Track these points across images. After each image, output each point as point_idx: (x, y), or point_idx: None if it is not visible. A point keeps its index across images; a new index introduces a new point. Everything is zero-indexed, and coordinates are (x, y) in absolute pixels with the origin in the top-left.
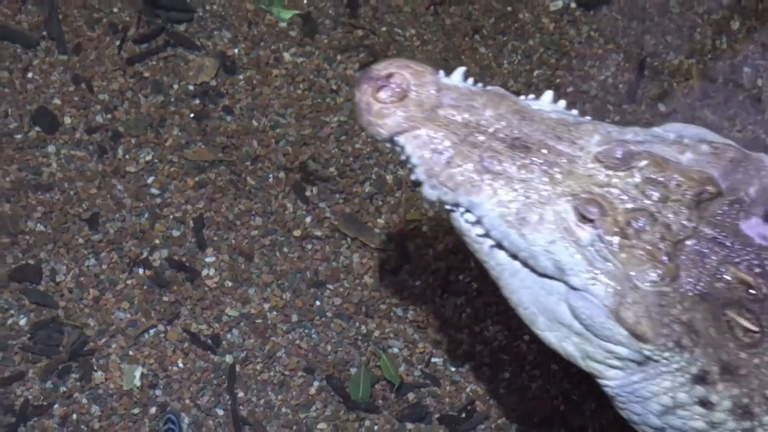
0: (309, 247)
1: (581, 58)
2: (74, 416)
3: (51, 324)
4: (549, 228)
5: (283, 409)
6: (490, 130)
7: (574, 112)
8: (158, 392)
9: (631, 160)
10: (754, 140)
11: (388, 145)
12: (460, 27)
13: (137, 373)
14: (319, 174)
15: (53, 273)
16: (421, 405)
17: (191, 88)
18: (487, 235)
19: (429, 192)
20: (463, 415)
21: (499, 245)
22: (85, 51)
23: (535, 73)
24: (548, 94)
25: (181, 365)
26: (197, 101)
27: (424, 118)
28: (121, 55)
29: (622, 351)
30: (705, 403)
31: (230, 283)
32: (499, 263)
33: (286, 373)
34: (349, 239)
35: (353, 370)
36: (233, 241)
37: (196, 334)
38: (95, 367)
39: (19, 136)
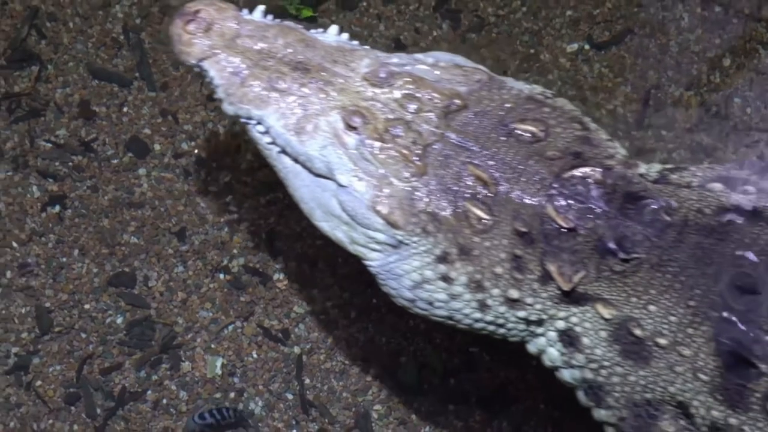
0: None
1: (594, 91)
2: (164, 401)
3: (144, 322)
4: (322, 135)
5: (344, 394)
6: (279, 55)
7: (355, 42)
8: (236, 379)
9: (392, 79)
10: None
11: (197, 69)
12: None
13: (218, 363)
14: None
15: (146, 279)
16: (460, 388)
17: None
18: (274, 143)
19: (227, 108)
20: (497, 397)
21: (284, 151)
22: (171, 88)
23: None
24: (334, 28)
25: (255, 356)
26: None
27: (225, 46)
28: (202, 92)
29: (380, 236)
30: (446, 279)
31: (297, 285)
32: (285, 166)
33: (346, 362)
34: None
35: (403, 359)
36: (300, 250)
37: (268, 329)
38: (183, 359)
39: (115, 161)
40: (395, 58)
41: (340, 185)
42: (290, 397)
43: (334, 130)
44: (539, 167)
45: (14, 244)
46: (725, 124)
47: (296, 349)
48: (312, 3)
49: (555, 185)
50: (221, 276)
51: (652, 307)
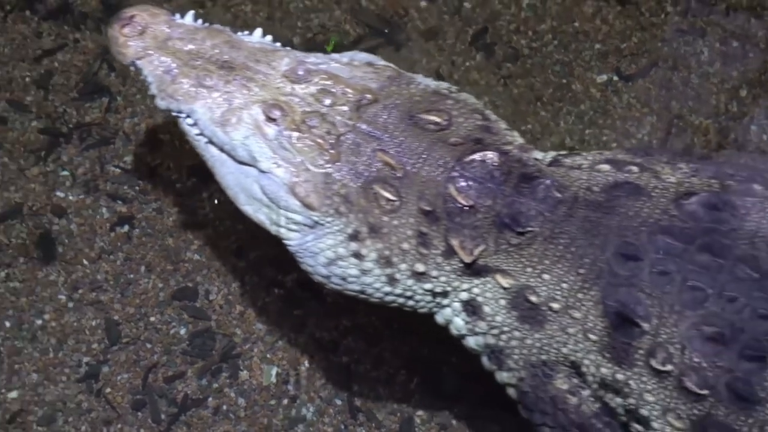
0: None
1: (623, 120)
2: (224, 407)
3: (205, 333)
4: (245, 126)
5: (389, 400)
6: (207, 55)
7: (277, 44)
8: (290, 387)
9: (310, 75)
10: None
11: (133, 68)
12: (525, 95)
13: (273, 372)
14: None
15: (207, 293)
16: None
17: None
18: (202, 134)
19: (160, 102)
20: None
21: (211, 141)
22: None
23: (586, 132)
24: (258, 31)
25: (307, 365)
26: None
27: (157, 47)
28: None
29: (298, 218)
30: (358, 255)
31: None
32: (212, 155)
33: (391, 371)
34: None
35: (444, 369)
36: None
37: (319, 340)
38: (241, 368)
39: (179, 185)
40: (312, 58)
41: (262, 171)
42: (339, 402)
43: (256, 121)
44: (442, 152)
45: (85, 262)
46: (743, 150)
47: (345, 359)
48: (356, 41)
49: (457, 168)
50: (276, 290)
51: (546, 276)
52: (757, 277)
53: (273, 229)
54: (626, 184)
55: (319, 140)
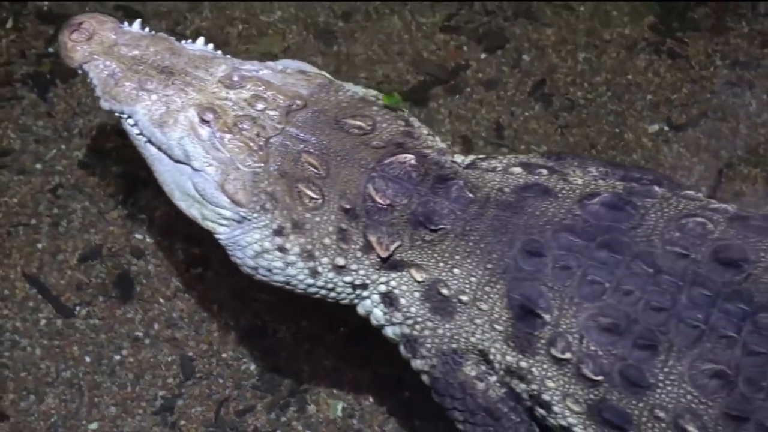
0: None
1: (673, 169)
2: None
3: (274, 369)
4: (181, 128)
5: None
6: (149, 61)
7: (218, 52)
8: (355, 421)
9: (244, 81)
10: None
11: (80, 72)
12: (581, 143)
13: (339, 406)
14: None
15: (275, 331)
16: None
17: None
18: (141, 134)
19: (104, 104)
20: None
21: (150, 141)
22: None
23: None
24: (201, 39)
25: (371, 400)
26: None
27: (103, 52)
28: None
29: (227, 213)
30: (282, 249)
31: None
32: (151, 154)
33: None
34: None
35: None
36: None
37: (383, 375)
38: (308, 402)
39: None
40: (248, 65)
41: (195, 170)
42: None
43: (191, 123)
44: (364, 155)
45: (161, 300)
46: None
47: (407, 394)
48: (420, 90)
49: (377, 169)
50: (341, 329)
51: (456, 270)
52: (652, 272)
53: (204, 223)
54: (535, 186)
55: (249, 142)
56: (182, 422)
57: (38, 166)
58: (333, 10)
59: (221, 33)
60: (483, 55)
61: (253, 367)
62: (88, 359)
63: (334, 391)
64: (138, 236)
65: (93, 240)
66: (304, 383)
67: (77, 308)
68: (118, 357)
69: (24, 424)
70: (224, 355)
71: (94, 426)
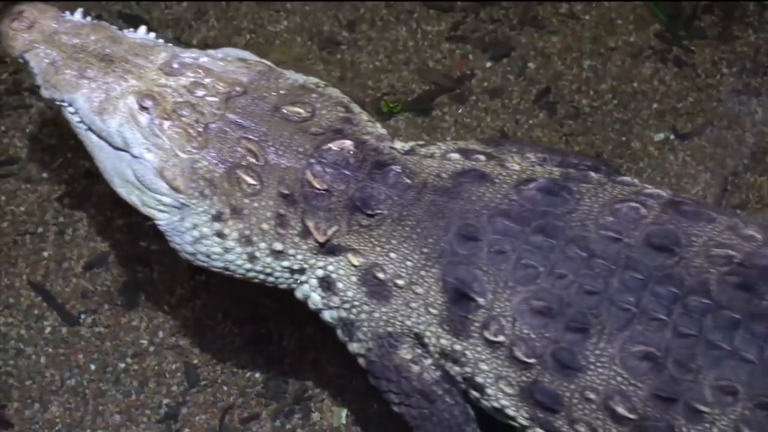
0: None
1: (678, 177)
2: None
3: (279, 377)
4: (120, 115)
5: None
6: (90, 49)
7: (160, 40)
8: (359, 428)
9: (184, 69)
10: None
11: (21, 60)
12: (586, 152)
13: (343, 414)
14: None
15: (280, 338)
16: None
17: None
18: (82, 121)
19: (44, 92)
20: None
21: (90, 128)
22: None
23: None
24: (143, 28)
25: (376, 407)
26: None
27: (44, 40)
28: None
29: (166, 199)
30: (220, 235)
31: None
32: (92, 141)
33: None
34: None
35: None
36: None
37: None
38: (313, 410)
39: None
40: (188, 53)
41: (134, 156)
42: None
43: (130, 110)
44: (302, 141)
45: (166, 308)
46: None
47: None
48: (426, 98)
49: (315, 155)
50: None
51: (392, 255)
52: (585, 256)
53: (144, 210)
54: (472, 171)
55: (188, 128)
56: (186, 430)
57: (45, 174)
58: (338, 20)
59: (228, 42)
60: (488, 64)
61: (257, 374)
62: (92, 367)
63: (339, 398)
64: (143, 244)
65: (98, 248)
66: (308, 390)
67: (82, 316)
68: (122, 365)
69: None
70: (229, 363)
71: None
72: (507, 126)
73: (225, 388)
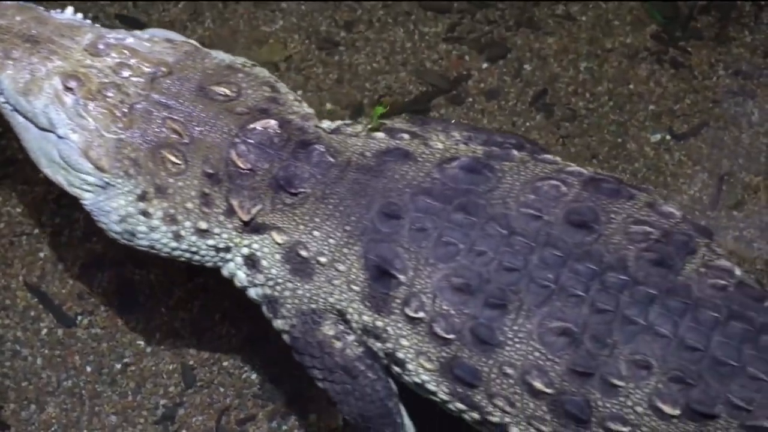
0: None
1: (675, 177)
2: None
3: (276, 378)
4: (45, 95)
5: None
6: (15, 30)
7: (87, 21)
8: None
9: (109, 49)
10: None
11: None
12: (582, 154)
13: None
14: None
15: (277, 339)
16: None
17: None
18: (7, 102)
19: None
20: None
21: (16, 109)
22: None
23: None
24: (69, 9)
25: None
26: None
27: None
28: None
29: (91, 179)
30: (145, 214)
31: None
32: (18, 122)
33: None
34: None
35: None
36: None
37: None
38: (310, 411)
39: None
40: (114, 33)
41: (59, 137)
42: None
43: (56, 91)
44: (227, 121)
45: (163, 310)
46: None
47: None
48: (422, 99)
49: (240, 135)
50: None
51: (316, 233)
52: (505, 233)
53: (70, 189)
54: (396, 150)
55: (113, 108)
56: (183, 431)
57: (41, 175)
58: (335, 20)
59: (224, 44)
60: (485, 65)
61: (254, 375)
62: (89, 368)
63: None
64: None
65: (95, 249)
66: (305, 392)
67: (79, 317)
68: (119, 366)
69: None
70: (225, 364)
71: None
72: (503, 128)
73: (222, 389)
